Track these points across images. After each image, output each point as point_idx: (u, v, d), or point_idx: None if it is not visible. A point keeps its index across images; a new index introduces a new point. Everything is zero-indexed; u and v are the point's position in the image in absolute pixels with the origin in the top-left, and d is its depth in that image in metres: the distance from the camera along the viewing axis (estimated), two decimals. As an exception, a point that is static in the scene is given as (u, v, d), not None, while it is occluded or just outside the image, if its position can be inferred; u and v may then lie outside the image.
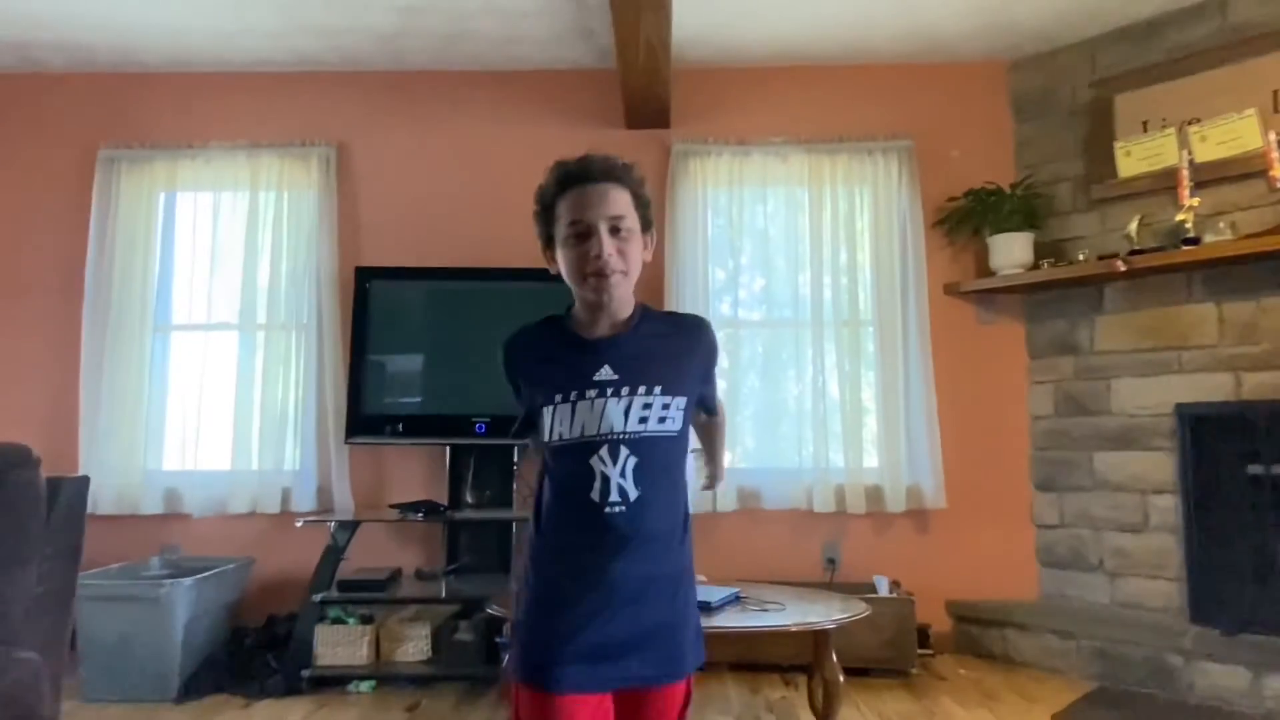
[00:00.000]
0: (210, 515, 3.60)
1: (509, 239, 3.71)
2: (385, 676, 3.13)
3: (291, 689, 3.02)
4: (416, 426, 3.47)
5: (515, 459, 3.58)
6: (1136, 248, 3.23)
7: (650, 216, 1.38)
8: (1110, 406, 3.46)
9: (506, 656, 1.29)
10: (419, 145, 3.87)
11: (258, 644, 3.30)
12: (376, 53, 3.73)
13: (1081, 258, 3.41)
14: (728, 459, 3.65)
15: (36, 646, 1.80)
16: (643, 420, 1.28)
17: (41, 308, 3.76)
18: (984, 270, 3.71)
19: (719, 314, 3.74)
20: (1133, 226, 3.26)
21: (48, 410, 3.67)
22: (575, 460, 1.28)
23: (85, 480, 2.07)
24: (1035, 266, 3.54)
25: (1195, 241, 3.07)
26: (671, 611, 1.31)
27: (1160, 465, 3.29)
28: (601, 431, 1.27)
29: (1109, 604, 3.39)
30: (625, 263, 1.31)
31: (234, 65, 3.82)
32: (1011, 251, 3.58)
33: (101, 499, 3.47)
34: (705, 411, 1.52)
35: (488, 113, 3.87)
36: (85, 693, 2.90)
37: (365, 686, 3.09)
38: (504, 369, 1.41)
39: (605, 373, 1.30)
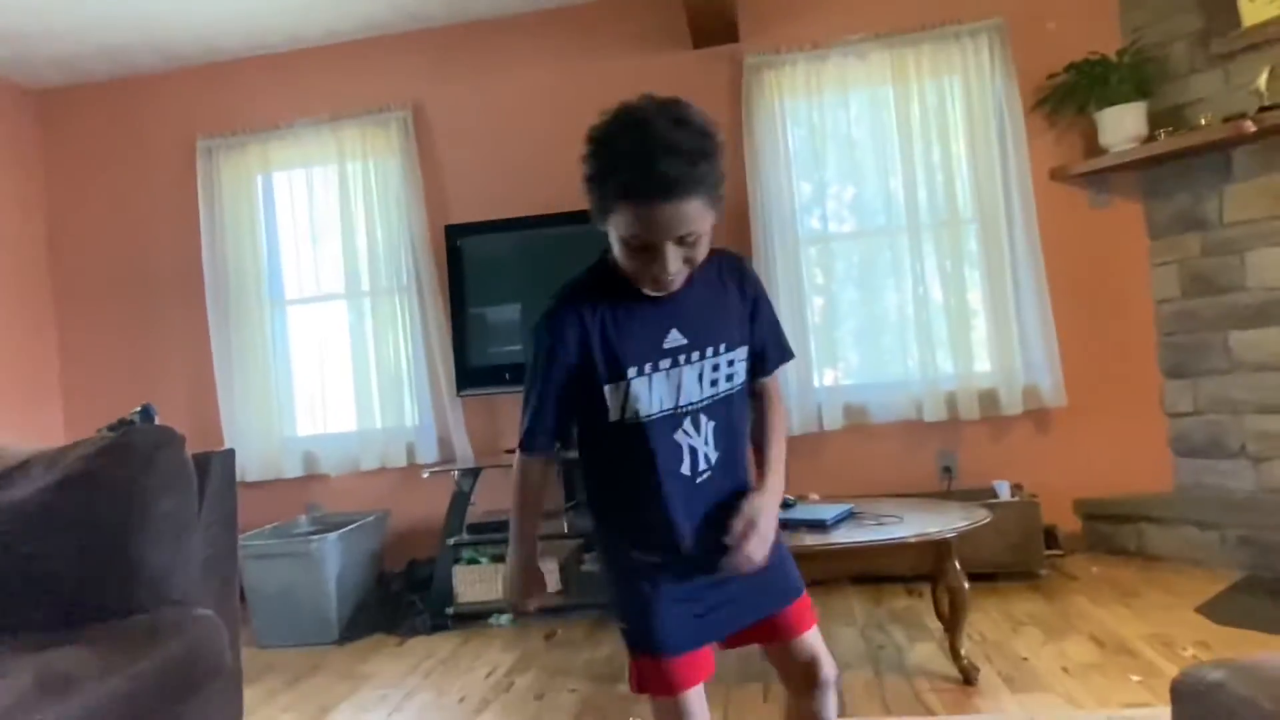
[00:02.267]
0: (345, 474, 3.86)
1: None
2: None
3: (438, 626, 3.25)
4: (521, 374, 3.56)
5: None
6: (1268, 104, 2.93)
7: (723, 191, 1.18)
8: (1245, 281, 3.20)
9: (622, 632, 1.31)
10: (491, 96, 3.88)
11: (403, 587, 3.56)
12: (438, 7, 3.73)
13: (1204, 122, 3.12)
14: (830, 377, 3.63)
15: (211, 604, 2.00)
16: (714, 384, 1.25)
17: (168, 295, 4.05)
18: (1094, 150, 3.45)
19: (808, 229, 3.64)
20: (1262, 80, 2.95)
21: (188, 390, 3.98)
22: (658, 436, 1.21)
23: (232, 453, 2.24)
24: (1151, 138, 3.27)
25: (1339, 88, 2.76)
26: (782, 565, 1.31)
27: (1307, 339, 3.04)
28: (681, 404, 1.22)
29: (1254, 490, 3.20)
30: (691, 264, 1.18)
31: (307, 41, 3.91)
32: (1123, 125, 3.31)
33: (248, 467, 3.78)
34: (759, 373, 1.34)
35: (554, 52, 3.83)
36: (259, 640, 3.21)
37: (505, 620, 3.29)
38: (548, 348, 1.22)
39: (674, 337, 1.22)
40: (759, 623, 1.31)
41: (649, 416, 1.21)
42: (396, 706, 2.52)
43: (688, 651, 1.24)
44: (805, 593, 1.35)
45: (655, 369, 1.21)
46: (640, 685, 1.27)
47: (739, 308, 1.30)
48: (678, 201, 1.11)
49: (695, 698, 1.24)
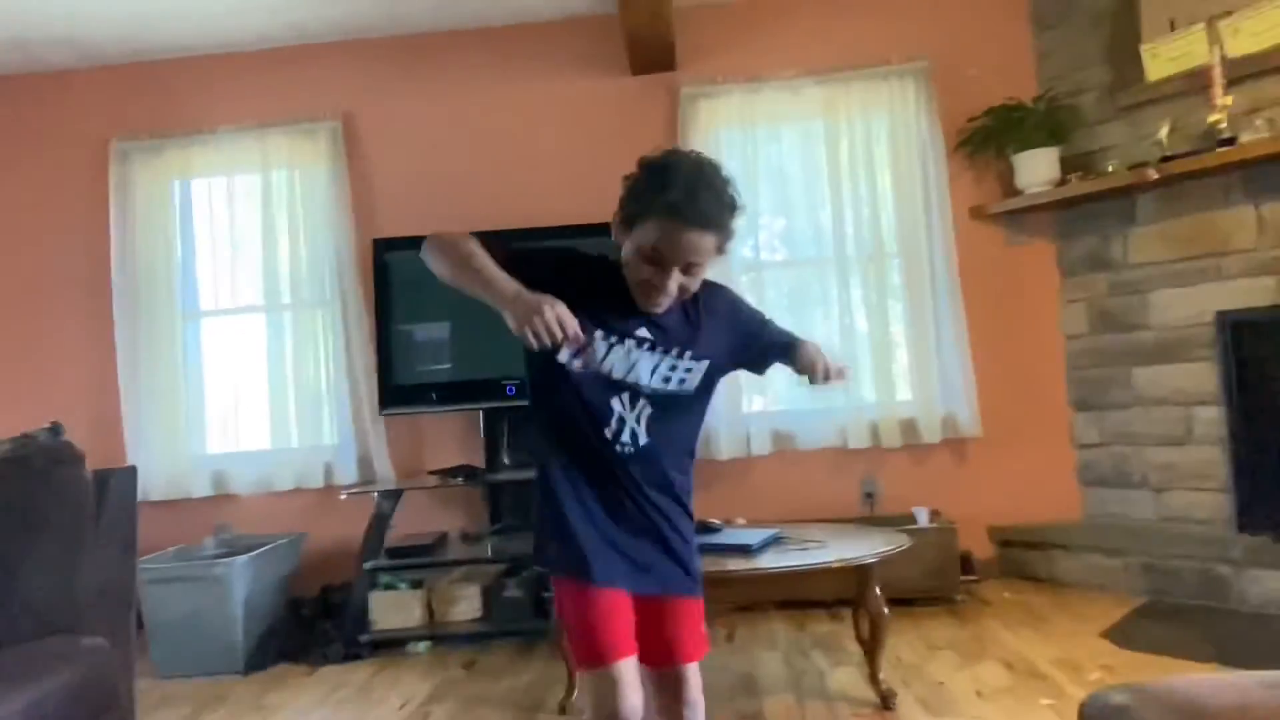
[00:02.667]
0: (257, 494, 3.70)
1: (523, 198, 3.71)
2: (440, 636, 3.22)
3: (351, 654, 3.12)
4: (448, 393, 3.50)
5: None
6: (1169, 154, 3.11)
7: (730, 247, 1.40)
8: (1148, 320, 3.38)
9: (539, 548, 1.43)
10: (424, 110, 3.83)
11: (315, 614, 3.41)
12: (374, 19, 3.67)
13: (1111, 169, 3.30)
14: (760, 403, 3.67)
15: (104, 632, 1.88)
16: (665, 380, 1.40)
17: (72, 303, 3.83)
18: (1010, 191, 3.61)
19: (740, 257, 3.68)
20: (1164, 132, 3.14)
21: (90, 402, 3.76)
22: (597, 393, 1.37)
23: (133, 470, 2.12)
24: (1063, 182, 3.44)
25: (1231, 142, 2.95)
26: (681, 543, 1.44)
27: (1201, 376, 3.22)
28: (629, 380, 1.38)
29: (1154, 519, 3.36)
30: (684, 293, 1.37)
31: (235, 46, 3.79)
32: (1037, 169, 3.48)
33: (152, 485, 3.57)
34: (787, 361, 1.52)
35: (491, 71, 3.81)
36: (159, 671, 3.02)
37: (422, 647, 3.18)
38: (555, 263, 1.38)
39: (643, 333, 1.39)
40: (661, 599, 1.42)
41: (597, 367, 1.36)
42: (304, 739, 2.40)
43: (610, 585, 1.36)
44: (702, 621, 1.47)
45: (620, 342, 1.37)
46: (563, 615, 1.40)
47: (716, 329, 1.45)
48: (702, 232, 1.31)
49: (627, 669, 1.33)
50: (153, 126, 3.80)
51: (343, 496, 3.43)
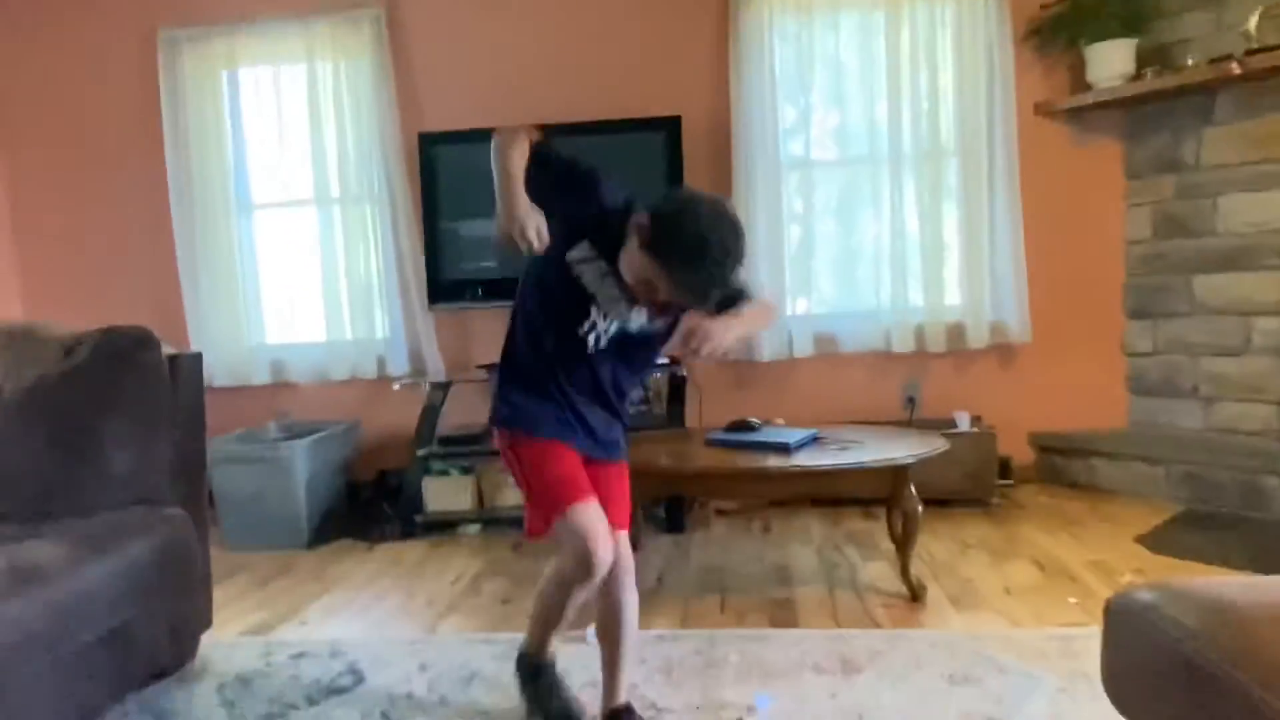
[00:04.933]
0: (314, 383, 3.85)
1: (570, 90, 3.63)
2: (489, 519, 3.39)
3: (407, 534, 3.31)
4: (494, 289, 3.54)
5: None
6: (1255, 46, 2.91)
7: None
8: (1215, 226, 3.24)
9: (499, 413, 1.62)
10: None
11: (373, 496, 3.61)
12: (416, -102, 3.53)
13: (1191, 62, 3.10)
14: (804, 305, 3.65)
15: (180, 504, 2.02)
16: (624, 326, 1.56)
17: (129, 192, 3.91)
18: (1080, 86, 3.42)
19: (790, 155, 3.60)
20: (1253, 21, 2.93)
21: (154, 295, 3.90)
22: (580, 300, 1.51)
23: (199, 356, 2.23)
24: (1138, 76, 3.25)
25: (1327, 33, 2.75)
26: (619, 426, 1.68)
27: (1267, 286, 3.11)
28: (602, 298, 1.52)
29: (1201, 429, 3.33)
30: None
31: (275, -73, 3.70)
32: (1112, 61, 3.28)
33: (215, 373, 3.73)
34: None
35: (537, -45, 3.67)
36: (228, 542, 3.25)
37: (473, 529, 3.36)
38: (595, 184, 1.50)
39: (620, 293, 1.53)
40: (603, 464, 1.62)
41: (581, 283, 1.50)
42: (365, 608, 2.58)
43: (560, 440, 1.55)
44: (628, 492, 1.69)
45: (594, 261, 1.50)
46: (523, 473, 1.56)
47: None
48: (696, 302, 1.45)
49: (597, 511, 1.51)
50: (197, 14, 3.76)
51: (396, 387, 3.55)
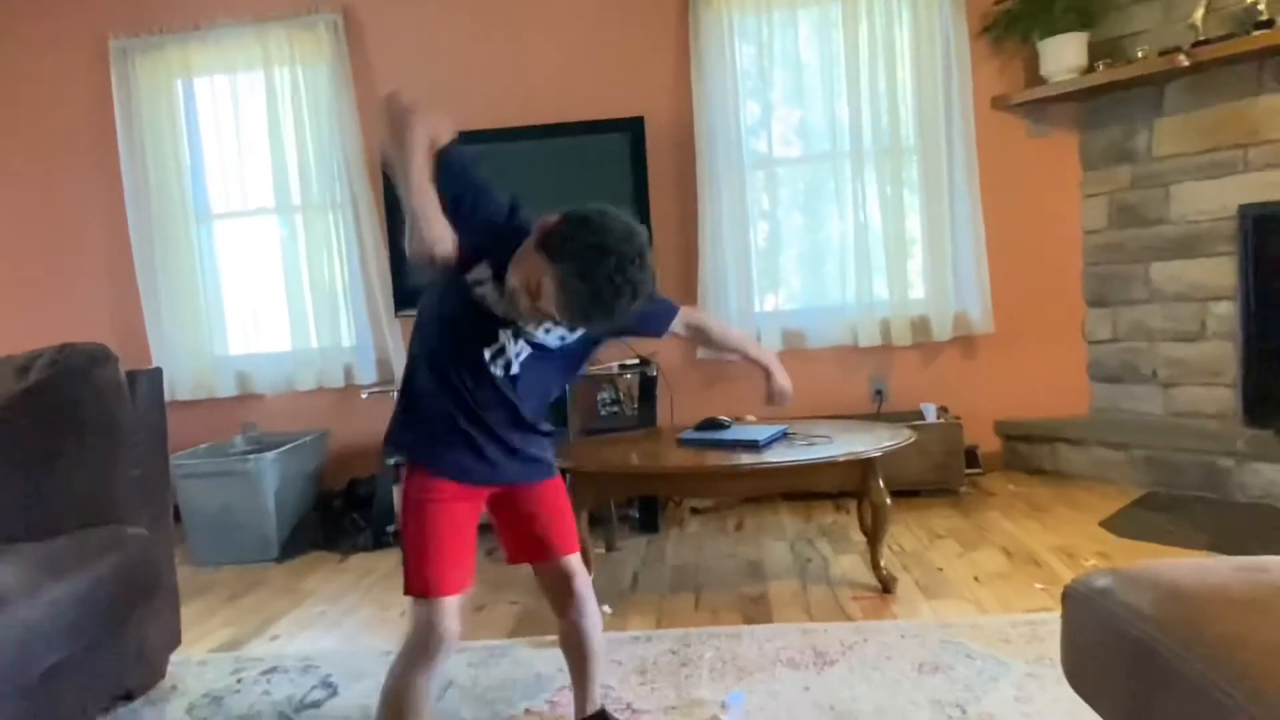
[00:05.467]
0: (281, 393, 3.81)
1: (530, 94, 3.63)
2: (462, 527, 3.37)
3: (379, 544, 3.28)
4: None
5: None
6: (1202, 38, 2.98)
7: None
8: (1169, 214, 3.32)
9: (393, 435, 1.48)
10: (426, 3, 3.69)
11: (344, 506, 3.57)
12: (370, -98, 3.50)
13: (1141, 55, 3.17)
14: (771, 302, 3.68)
15: (144, 523, 1.99)
16: (547, 332, 1.42)
17: (85, 205, 3.85)
18: (1034, 80, 3.48)
19: (754, 153, 3.62)
20: (1198, 14, 3.00)
21: (111, 305, 3.84)
22: (488, 320, 1.38)
23: (159, 371, 2.19)
24: (1090, 69, 3.31)
25: (1269, 25, 2.82)
26: (537, 446, 1.52)
27: (1220, 271, 3.19)
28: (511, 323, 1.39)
29: (1162, 414, 3.40)
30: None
31: (227, -67, 3.65)
32: (1064, 55, 3.34)
33: (179, 386, 3.69)
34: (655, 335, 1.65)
35: (494, -43, 3.65)
36: (196, 559, 3.20)
37: (445, 537, 3.33)
38: (506, 206, 1.37)
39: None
40: (522, 486, 1.51)
41: (485, 304, 1.37)
42: (337, 621, 2.56)
43: (461, 483, 1.43)
44: (570, 514, 1.59)
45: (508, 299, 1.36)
46: (405, 520, 1.42)
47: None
48: (570, 317, 1.32)
49: (453, 604, 1.40)
50: (149, 22, 3.70)
51: (364, 396, 3.52)
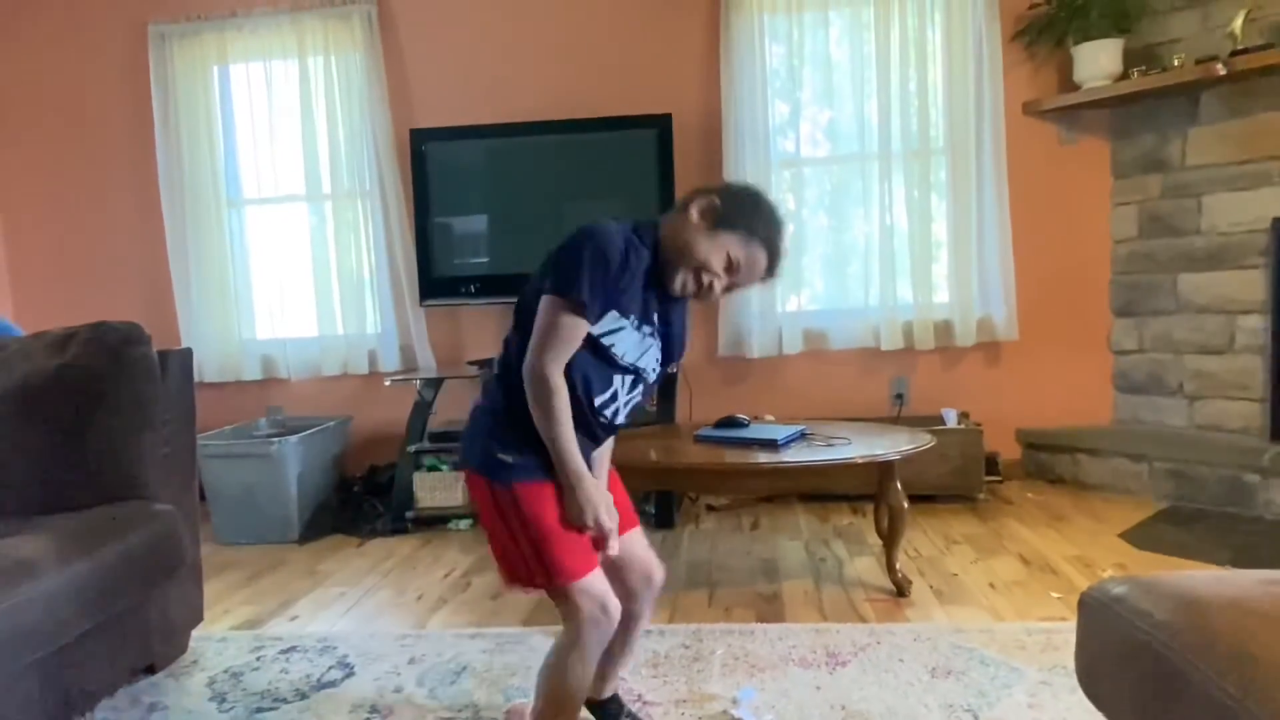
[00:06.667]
0: (305, 378, 3.86)
1: (561, 88, 3.65)
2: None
3: (397, 529, 3.32)
4: (487, 286, 3.56)
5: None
6: (1240, 47, 2.94)
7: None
8: (1200, 225, 3.27)
9: (504, 466, 1.45)
10: (461, -6, 3.73)
11: (364, 491, 3.62)
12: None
13: (1177, 63, 3.13)
14: (794, 303, 3.68)
15: (170, 499, 2.03)
16: (654, 369, 1.53)
17: (120, 188, 3.92)
18: (1067, 85, 3.45)
19: (781, 152, 3.62)
20: (1237, 23, 2.96)
21: (145, 290, 3.91)
22: (604, 366, 1.45)
23: (189, 352, 2.24)
24: (1124, 76, 3.27)
25: (1310, 35, 2.78)
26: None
27: (1250, 285, 3.15)
28: (637, 364, 1.48)
29: (1186, 426, 3.36)
30: (711, 296, 1.51)
31: (266, -78, 3.70)
32: (1099, 61, 3.31)
33: (206, 368, 3.75)
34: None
35: (528, -49, 3.67)
36: (219, 537, 3.26)
37: (463, 525, 3.37)
38: (621, 258, 1.38)
39: (656, 320, 1.50)
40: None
41: (610, 348, 1.44)
42: (356, 603, 2.60)
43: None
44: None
45: (638, 328, 1.46)
46: (538, 525, 1.42)
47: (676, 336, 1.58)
48: (772, 271, 1.50)
49: (602, 576, 1.46)
50: (188, 8, 3.76)
51: (387, 383, 3.56)
